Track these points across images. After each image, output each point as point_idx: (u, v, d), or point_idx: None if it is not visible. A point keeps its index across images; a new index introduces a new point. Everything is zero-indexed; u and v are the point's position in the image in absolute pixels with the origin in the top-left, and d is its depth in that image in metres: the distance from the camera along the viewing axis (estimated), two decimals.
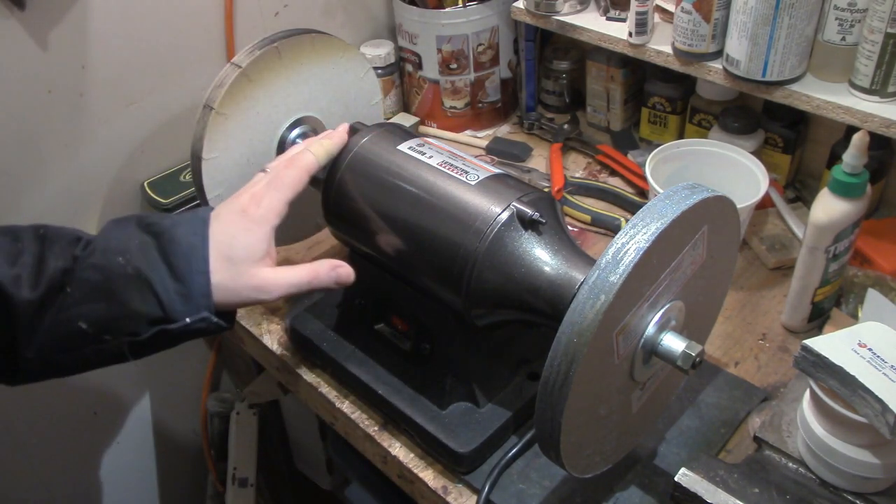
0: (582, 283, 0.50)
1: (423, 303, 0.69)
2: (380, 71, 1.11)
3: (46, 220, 0.64)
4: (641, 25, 0.91)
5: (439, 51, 1.08)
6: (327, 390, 0.77)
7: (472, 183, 0.65)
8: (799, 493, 0.60)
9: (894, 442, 0.56)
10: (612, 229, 0.94)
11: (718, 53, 0.87)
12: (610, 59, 1.06)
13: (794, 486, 0.61)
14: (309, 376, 0.79)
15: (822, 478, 0.62)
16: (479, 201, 0.63)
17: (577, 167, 1.07)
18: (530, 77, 1.15)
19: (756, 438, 0.67)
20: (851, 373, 0.56)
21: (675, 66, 0.91)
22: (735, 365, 0.77)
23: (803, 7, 0.77)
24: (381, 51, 1.12)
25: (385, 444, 0.72)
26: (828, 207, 0.70)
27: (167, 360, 0.69)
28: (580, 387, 0.49)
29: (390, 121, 1.08)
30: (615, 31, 0.96)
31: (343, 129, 0.72)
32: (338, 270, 0.65)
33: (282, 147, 0.79)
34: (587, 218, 0.95)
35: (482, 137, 1.14)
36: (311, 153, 0.68)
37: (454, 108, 1.13)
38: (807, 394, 0.63)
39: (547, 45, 1.15)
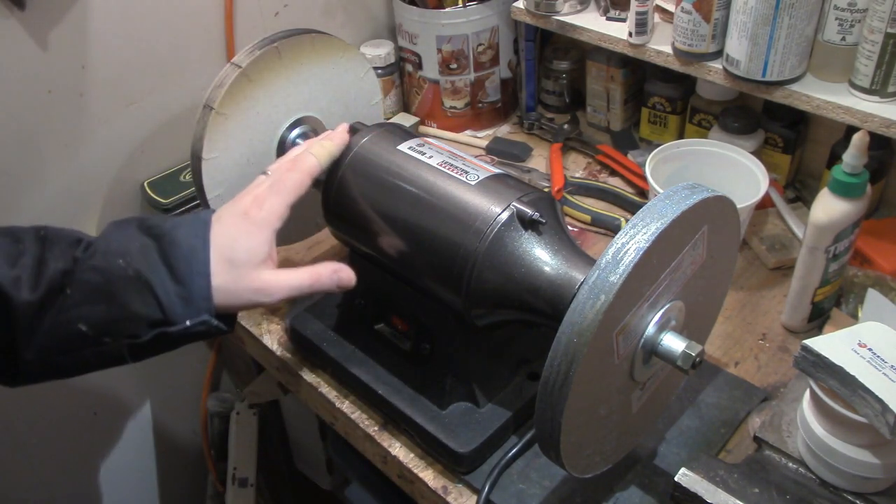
0: (582, 283, 0.50)
1: (423, 303, 0.69)
2: (380, 71, 1.11)
3: (46, 220, 0.64)
4: (641, 25, 0.91)
5: (439, 51, 1.08)
6: (327, 390, 0.77)
7: (472, 183, 0.65)
8: (799, 493, 0.60)
9: (894, 442, 0.56)
10: (612, 229, 0.94)
11: (718, 53, 0.87)
12: (610, 59, 1.06)
13: (794, 486, 0.61)
14: (309, 376, 0.79)
15: (822, 478, 0.62)
16: (479, 201, 0.63)
17: (577, 167, 1.07)
18: (530, 77, 1.14)
19: (756, 438, 0.67)
20: (851, 373, 0.56)
21: (675, 66, 0.91)
22: (735, 365, 0.77)
23: (803, 7, 0.77)
24: (381, 51, 1.12)
25: (385, 444, 0.72)
26: (828, 207, 0.70)
27: (167, 360, 0.69)
28: (580, 387, 0.49)
29: (390, 121, 1.08)
30: (615, 31, 0.96)
31: (343, 129, 0.72)
32: (339, 274, 0.64)
33: (282, 147, 0.79)
34: (587, 218, 0.95)
35: (482, 137, 1.14)
36: (313, 156, 0.67)
37: (454, 108, 1.13)
38: (807, 394, 0.63)
39: (547, 45, 1.15)
